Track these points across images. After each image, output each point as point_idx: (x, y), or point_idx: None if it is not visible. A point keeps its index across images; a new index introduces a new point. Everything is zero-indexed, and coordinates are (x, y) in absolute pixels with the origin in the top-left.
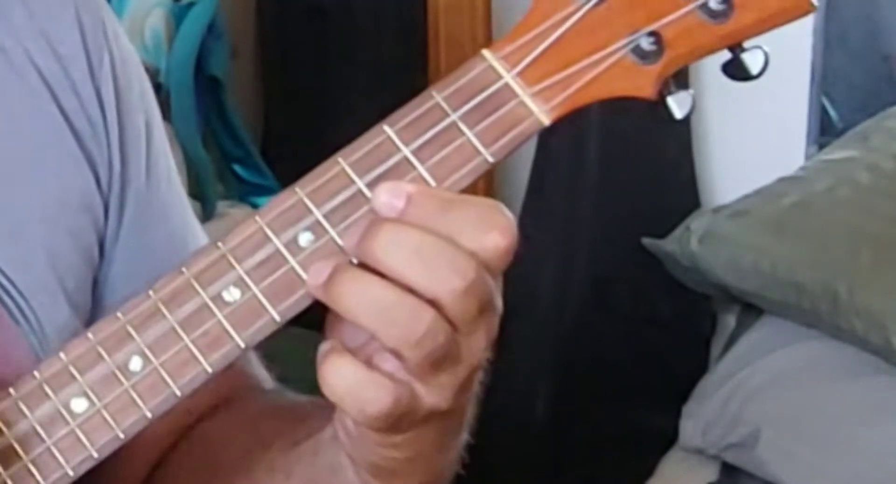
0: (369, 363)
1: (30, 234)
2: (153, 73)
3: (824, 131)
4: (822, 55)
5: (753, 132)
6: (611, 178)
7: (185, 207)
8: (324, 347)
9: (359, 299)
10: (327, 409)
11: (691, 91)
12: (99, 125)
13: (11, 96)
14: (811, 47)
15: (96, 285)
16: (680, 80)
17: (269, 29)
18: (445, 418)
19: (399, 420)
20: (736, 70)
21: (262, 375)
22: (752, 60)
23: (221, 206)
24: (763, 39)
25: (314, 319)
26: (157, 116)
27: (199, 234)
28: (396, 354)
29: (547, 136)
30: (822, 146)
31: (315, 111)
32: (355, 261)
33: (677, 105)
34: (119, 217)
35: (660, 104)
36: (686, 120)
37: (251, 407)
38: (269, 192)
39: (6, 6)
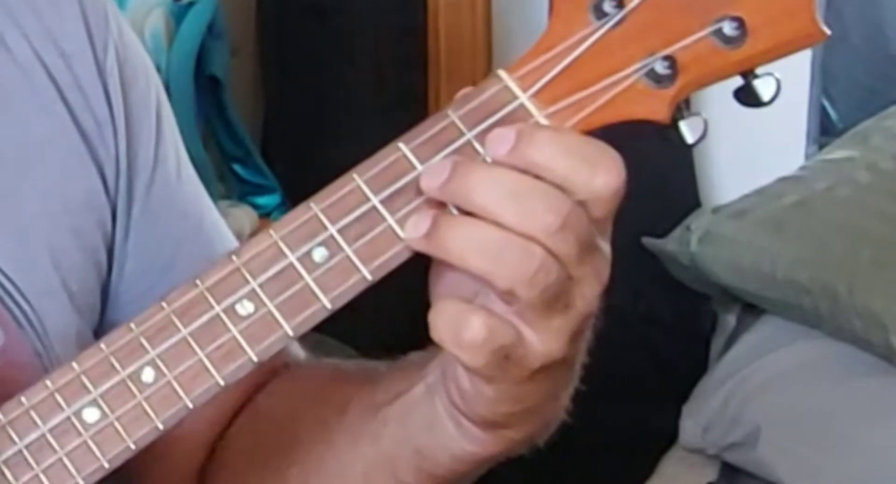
0: None
1: (33, 234)
2: None
3: (824, 131)
4: (822, 55)
5: (753, 132)
6: None
7: (199, 193)
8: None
9: (467, 242)
10: (406, 369)
11: (704, 116)
12: (106, 123)
13: (17, 95)
14: (811, 47)
15: (111, 285)
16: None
17: (269, 29)
18: (560, 368)
19: (505, 363)
20: (748, 97)
21: (296, 348)
22: (764, 87)
23: (221, 206)
24: None
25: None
26: (165, 105)
27: (216, 218)
28: (509, 296)
29: None
30: (822, 146)
31: (315, 111)
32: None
33: (689, 130)
34: (128, 213)
35: (672, 128)
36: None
37: (311, 376)
38: (269, 191)
39: (12, 5)
